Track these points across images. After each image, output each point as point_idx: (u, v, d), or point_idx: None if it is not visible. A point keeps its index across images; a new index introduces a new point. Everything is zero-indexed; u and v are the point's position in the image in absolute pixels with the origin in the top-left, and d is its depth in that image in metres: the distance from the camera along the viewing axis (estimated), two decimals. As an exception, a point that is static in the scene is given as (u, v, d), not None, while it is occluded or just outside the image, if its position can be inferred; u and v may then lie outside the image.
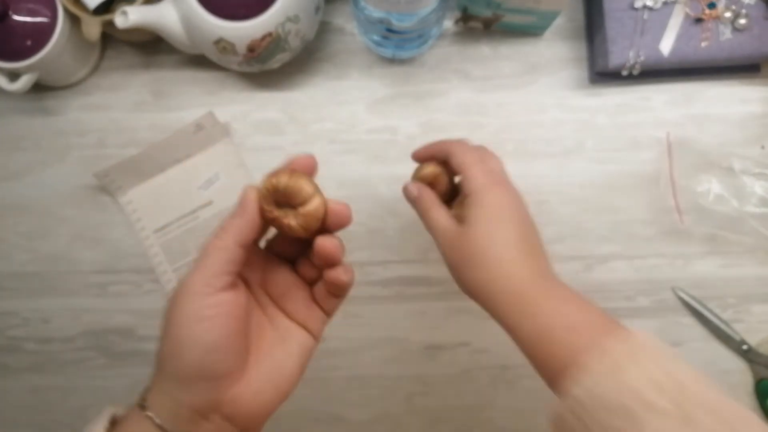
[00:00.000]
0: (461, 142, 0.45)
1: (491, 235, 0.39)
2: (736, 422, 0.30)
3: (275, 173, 0.33)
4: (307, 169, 0.35)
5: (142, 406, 0.31)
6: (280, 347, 0.35)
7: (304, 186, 0.32)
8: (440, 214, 0.43)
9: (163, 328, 0.32)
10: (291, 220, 0.33)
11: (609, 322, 0.36)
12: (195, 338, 0.31)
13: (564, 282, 0.39)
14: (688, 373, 0.32)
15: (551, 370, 0.35)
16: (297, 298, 0.36)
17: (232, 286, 0.32)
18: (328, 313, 0.37)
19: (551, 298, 0.37)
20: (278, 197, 0.33)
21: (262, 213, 0.33)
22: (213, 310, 0.31)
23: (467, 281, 0.40)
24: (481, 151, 0.44)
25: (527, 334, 0.37)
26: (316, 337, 0.36)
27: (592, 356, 0.33)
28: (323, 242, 0.33)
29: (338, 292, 0.36)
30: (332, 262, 0.34)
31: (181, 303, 0.31)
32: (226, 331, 0.31)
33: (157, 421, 0.31)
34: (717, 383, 0.33)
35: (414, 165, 0.48)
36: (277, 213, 0.33)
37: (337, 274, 0.34)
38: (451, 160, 0.43)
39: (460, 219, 0.42)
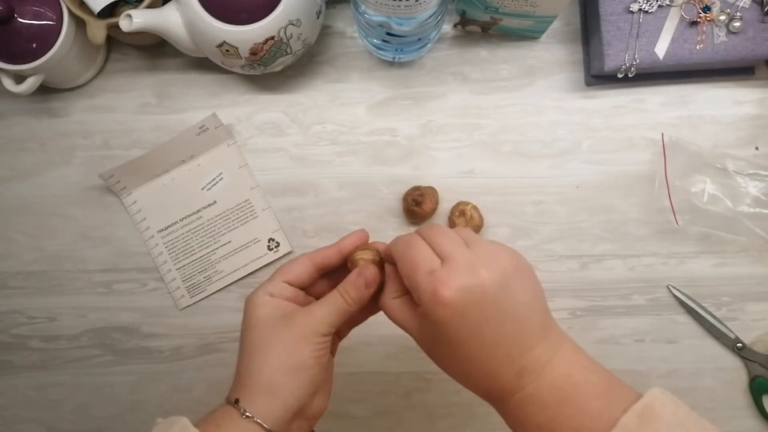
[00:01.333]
0: (400, 247, 0.37)
1: (453, 355, 0.35)
2: None
3: (366, 251, 0.41)
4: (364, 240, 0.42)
5: (244, 414, 0.37)
6: (329, 358, 0.41)
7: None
8: (399, 311, 0.38)
9: (275, 348, 0.38)
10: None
11: (611, 405, 0.32)
12: (317, 359, 0.38)
13: (561, 357, 0.34)
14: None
15: None
16: None
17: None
18: (341, 338, 0.45)
19: (541, 405, 0.33)
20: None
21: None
22: (328, 340, 0.39)
23: (458, 381, 0.38)
24: (423, 250, 0.36)
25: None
26: (333, 354, 0.44)
27: None
28: None
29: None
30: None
31: (301, 330, 0.38)
32: (327, 365, 0.40)
33: (266, 426, 0.36)
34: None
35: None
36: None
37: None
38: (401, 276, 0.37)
39: None
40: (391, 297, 0.39)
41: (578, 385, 0.33)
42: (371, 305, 0.41)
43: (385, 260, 0.41)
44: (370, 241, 0.43)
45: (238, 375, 0.39)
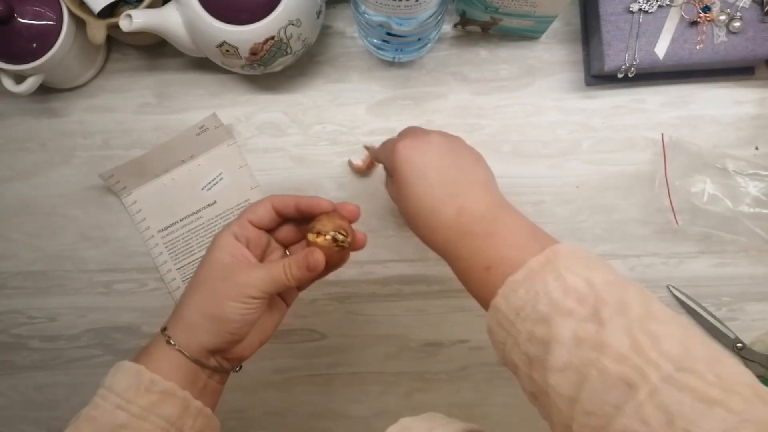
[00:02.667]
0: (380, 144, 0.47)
1: (407, 195, 0.41)
2: (641, 313, 0.31)
3: (328, 222, 0.43)
4: (352, 216, 0.45)
5: (169, 343, 0.41)
6: (268, 313, 0.45)
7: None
8: (387, 187, 0.46)
9: (205, 293, 0.41)
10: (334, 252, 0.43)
11: (532, 244, 0.36)
12: (242, 316, 0.41)
13: (502, 207, 0.40)
14: (598, 273, 0.33)
15: (484, 304, 0.37)
16: None
17: None
18: (300, 290, 0.48)
19: (472, 238, 0.38)
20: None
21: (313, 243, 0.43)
22: (260, 302, 0.41)
23: (417, 234, 0.43)
24: (398, 133, 0.46)
25: (457, 275, 0.40)
26: (289, 305, 0.47)
27: (515, 273, 0.34)
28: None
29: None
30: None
31: (234, 286, 0.41)
32: (259, 315, 0.42)
33: (186, 354, 0.41)
34: (631, 282, 0.34)
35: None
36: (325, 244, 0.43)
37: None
38: (375, 161, 0.46)
39: None
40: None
41: (506, 225, 0.39)
42: (326, 271, 0.45)
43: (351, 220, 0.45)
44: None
45: (176, 304, 0.43)
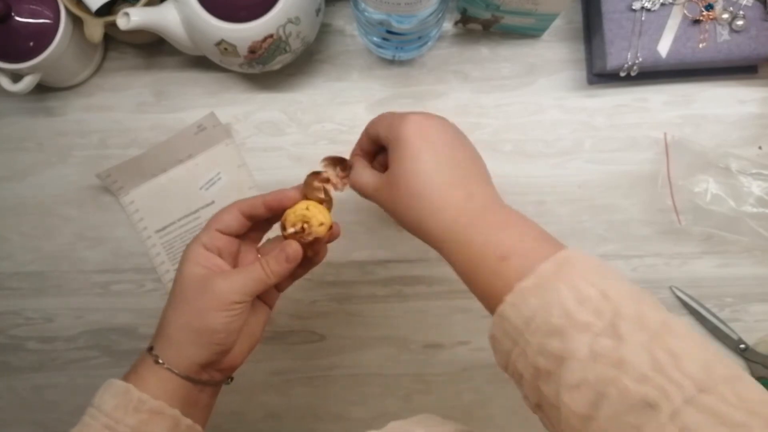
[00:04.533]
0: (376, 117, 0.44)
1: (415, 170, 0.38)
2: (659, 328, 0.30)
3: (298, 206, 0.42)
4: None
5: (157, 362, 0.40)
6: (253, 318, 0.44)
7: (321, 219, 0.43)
8: (363, 172, 0.43)
9: (185, 308, 0.41)
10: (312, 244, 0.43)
11: (544, 245, 0.35)
12: (226, 325, 0.40)
13: (507, 206, 0.38)
14: (612, 283, 0.32)
15: (489, 300, 0.35)
16: None
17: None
18: (280, 291, 0.47)
19: (484, 225, 0.36)
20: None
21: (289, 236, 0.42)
22: (243, 307, 0.41)
23: (405, 222, 0.40)
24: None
25: (462, 265, 0.37)
26: (272, 308, 0.46)
27: (524, 279, 0.33)
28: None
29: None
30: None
31: (213, 296, 0.40)
32: (243, 321, 0.42)
33: (176, 371, 0.40)
34: (643, 291, 0.33)
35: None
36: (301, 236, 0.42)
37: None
38: (370, 134, 0.43)
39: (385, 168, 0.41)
40: (358, 169, 0.43)
41: (517, 219, 0.37)
42: (303, 267, 0.45)
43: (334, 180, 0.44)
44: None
45: (159, 322, 0.43)
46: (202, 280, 0.41)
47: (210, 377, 0.43)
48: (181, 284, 0.41)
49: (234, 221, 0.43)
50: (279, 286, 0.46)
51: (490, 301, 0.35)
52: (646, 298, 0.32)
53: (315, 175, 0.44)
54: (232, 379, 0.45)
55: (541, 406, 0.33)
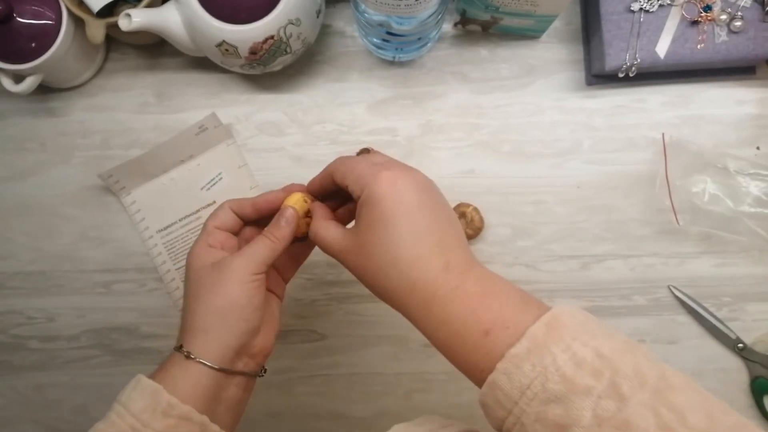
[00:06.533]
0: (338, 159, 0.41)
1: (388, 240, 0.35)
2: (658, 383, 0.29)
3: (299, 198, 0.44)
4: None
5: (189, 357, 0.40)
6: (268, 307, 0.44)
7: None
8: (327, 226, 0.41)
9: (207, 292, 0.41)
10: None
11: (528, 308, 0.33)
12: (249, 298, 0.40)
13: (483, 269, 0.36)
14: (603, 341, 0.31)
15: (473, 373, 0.34)
16: (270, 272, 0.45)
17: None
18: (286, 281, 0.48)
19: (463, 298, 0.34)
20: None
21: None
22: (262, 277, 0.41)
23: (376, 292, 0.38)
24: (363, 155, 0.43)
25: (441, 341, 0.35)
26: (281, 299, 0.47)
27: (514, 346, 0.31)
28: None
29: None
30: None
31: (232, 272, 0.40)
32: (263, 296, 0.42)
33: (209, 364, 0.39)
34: (633, 342, 0.32)
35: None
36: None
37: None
38: (336, 179, 0.40)
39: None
40: (320, 221, 0.42)
41: (496, 284, 0.35)
42: (307, 246, 0.46)
43: (313, 195, 0.44)
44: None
45: (182, 322, 0.42)
46: (215, 265, 0.41)
47: (244, 366, 0.42)
48: (197, 277, 0.42)
49: (228, 217, 0.44)
50: (284, 275, 0.47)
51: (475, 374, 0.34)
52: (639, 350, 0.31)
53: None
54: (265, 370, 0.45)
55: None
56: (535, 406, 0.30)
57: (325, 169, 0.42)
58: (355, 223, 0.38)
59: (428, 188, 0.38)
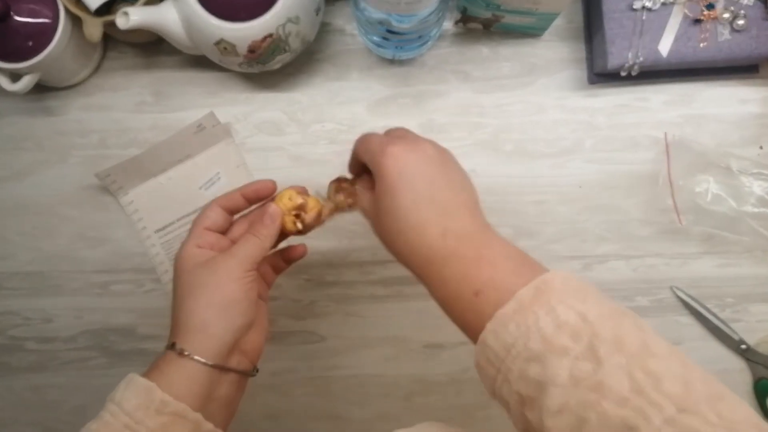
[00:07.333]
0: (360, 136, 0.44)
1: (392, 208, 0.39)
2: (638, 350, 0.30)
3: (286, 194, 0.45)
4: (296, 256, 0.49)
5: (181, 353, 0.40)
6: (258, 308, 0.45)
7: (310, 201, 0.46)
8: (363, 198, 0.44)
9: (203, 290, 0.42)
10: (297, 224, 0.45)
11: (522, 271, 0.35)
12: (245, 293, 0.42)
13: (487, 234, 0.38)
14: (591, 305, 0.32)
15: (469, 332, 0.36)
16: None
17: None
18: (269, 285, 0.49)
19: (458, 262, 0.37)
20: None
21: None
22: (254, 274, 0.43)
23: (392, 253, 0.41)
24: (384, 132, 0.44)
25: (441, 301, 0.38)
26: (266, 300, 0.48)
27: (503, 306, 0.33)
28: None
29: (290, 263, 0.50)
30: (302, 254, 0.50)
31: (225, 270, 0.42)
32: (257, 292, 0.44)
33: (203, 361, 0.40)
34: (624, 311, 0.32)
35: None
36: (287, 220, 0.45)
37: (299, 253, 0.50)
38: (357, 156, 0.43)
39: None
40: (363, 192, 0.44)
41: (494, 249, 0.37)
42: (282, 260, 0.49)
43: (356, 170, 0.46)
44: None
45: (173, 322, 0.43)
46: (206, 263, 0.42)
47: (237, 363, 0.43)
48: (190, 277, 0.42)
49: (218, 216, 0.45)
50: (277, 269, 0.49)
51: (471, 334, 0.36)
52: (627, 318, 0.32)
53: (338, 181, 0.46)
54: (257, 370, 0.46)
55: None
56: (519, 364, 0.32)
57: (351, 152, 0.45)
58: (374, 197, 0.41)
59: (436, 159, 0.40)
